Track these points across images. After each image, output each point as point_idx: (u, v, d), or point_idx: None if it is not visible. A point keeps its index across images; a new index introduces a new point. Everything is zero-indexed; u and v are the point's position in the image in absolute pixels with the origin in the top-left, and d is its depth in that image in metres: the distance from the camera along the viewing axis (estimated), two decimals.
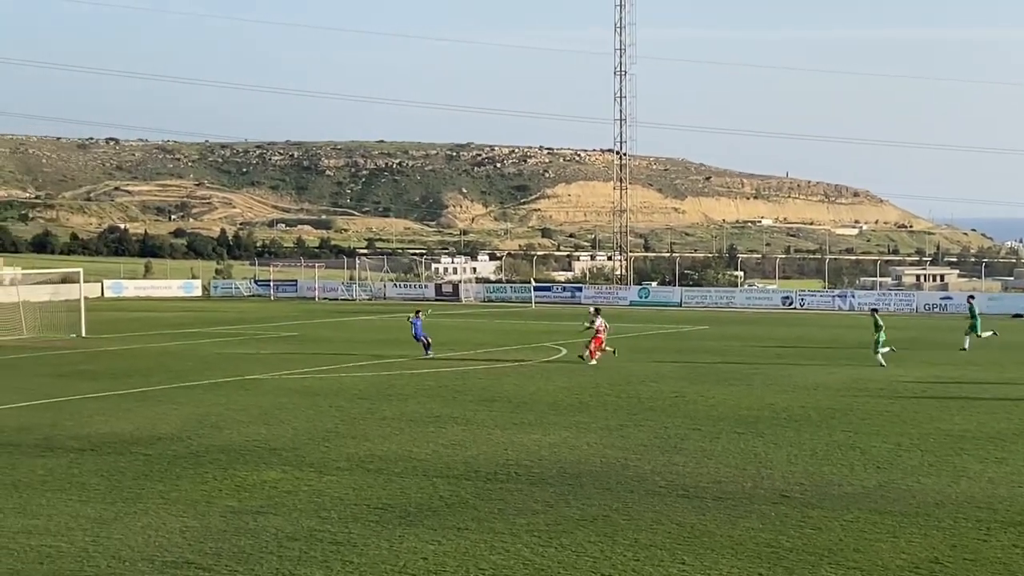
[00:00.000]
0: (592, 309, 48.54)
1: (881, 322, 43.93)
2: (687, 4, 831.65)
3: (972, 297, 56.41)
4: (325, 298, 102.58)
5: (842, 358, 47.07)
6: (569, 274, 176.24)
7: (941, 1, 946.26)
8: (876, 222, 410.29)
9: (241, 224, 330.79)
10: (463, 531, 18.36)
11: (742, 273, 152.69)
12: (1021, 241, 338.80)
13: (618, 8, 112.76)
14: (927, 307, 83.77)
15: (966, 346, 50.69)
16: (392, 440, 26.81)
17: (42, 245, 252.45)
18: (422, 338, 47.81)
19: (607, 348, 45.63)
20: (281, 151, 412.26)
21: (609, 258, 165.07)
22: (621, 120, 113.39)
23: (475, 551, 17.20)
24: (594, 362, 44.10)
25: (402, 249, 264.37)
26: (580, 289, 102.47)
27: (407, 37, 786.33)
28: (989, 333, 52.02)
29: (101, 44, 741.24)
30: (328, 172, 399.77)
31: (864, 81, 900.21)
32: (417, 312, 49.83)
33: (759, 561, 16.65)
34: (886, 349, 43.87)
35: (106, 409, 32.19)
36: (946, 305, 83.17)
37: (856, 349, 50.57)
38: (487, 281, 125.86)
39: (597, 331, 45.09)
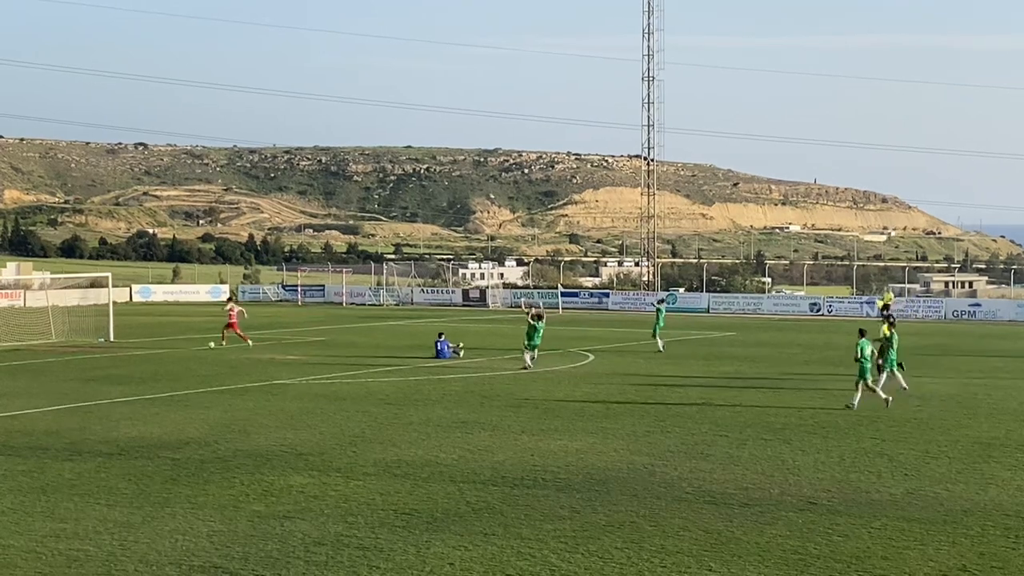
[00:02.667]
0: (226, 298, 65.94)
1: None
2: (715, 10, 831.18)
3: (662, 301, 60.91)
4: (352, 303, 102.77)
5: None
6: (596, 280, 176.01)
7: (970, 7, 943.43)
8: (904, 228, 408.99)
9: (269, 229, 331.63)
10: (490, 537, 18.37)
11: (769, 279, 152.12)
12: None
13: (646, 14, 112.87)
14: (955, 314, 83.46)
15: (661, 347, 52.58)
16: (419, 445, 26.83)
17: (71, 250, 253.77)
18: (447, 353, 49.08)
19: (223, 342, 55.13)
20: (309, 156, 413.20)
21: (636, 264, 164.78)
22: (649, 126, 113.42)
23: (502, 557, 17.21)
24: (224, 344, 54.70)
25: (429, 254, 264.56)
26: (607, 295, 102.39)
27: (435, 43, 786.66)
28: (661, 344, 53.46)
29: (130, 50, 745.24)
30: (356, 177, 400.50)
31: (893, 87, 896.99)
32: (441, 334, 51.31)
33: (786, 568, 16.62)
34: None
35: (134, 413, 32.30)
36: (975, 312, 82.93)
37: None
38: (514, 287, 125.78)
39: (230, 317, 56.06)
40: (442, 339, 49.87)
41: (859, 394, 32.97)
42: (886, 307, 79.18)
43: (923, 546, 17.82)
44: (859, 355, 32.98)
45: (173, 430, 29.19)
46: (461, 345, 50.60)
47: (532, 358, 44.56)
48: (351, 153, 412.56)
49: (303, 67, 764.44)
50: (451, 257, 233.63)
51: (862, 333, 33.93)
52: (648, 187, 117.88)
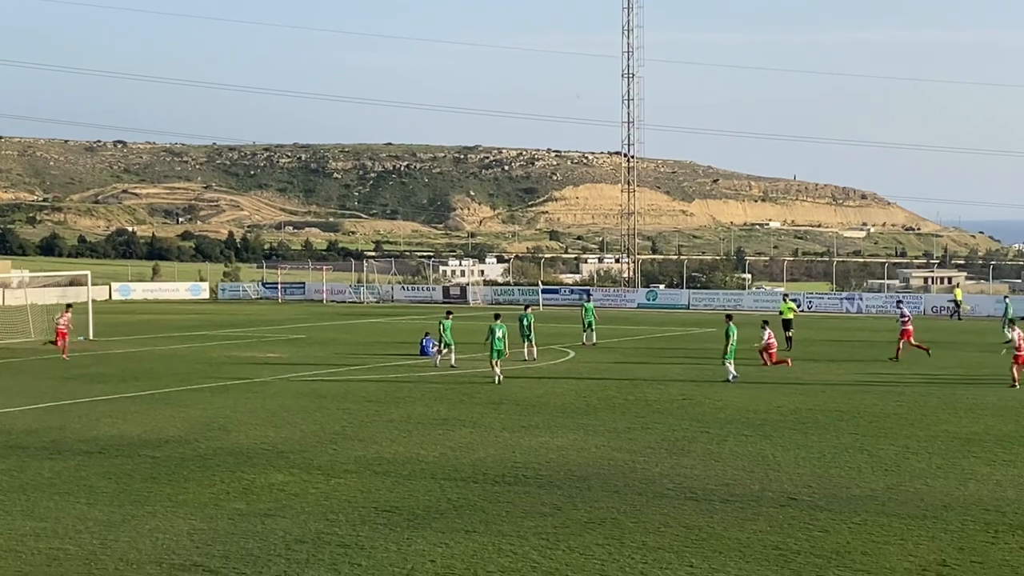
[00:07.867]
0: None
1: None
2: (695, 7, 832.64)
3: (589, 295, 64.32)
4: (333, 300, 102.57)
5: (849, 360, 47.03)
6: (577, 276, 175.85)
7: (948, 4, 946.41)
8: (884, 224, 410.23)
9: (249, 227, 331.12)
10: (471, 533, 18.37)
11: (749, 276, 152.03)
12: None
13: (626, 11, 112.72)
14: (934, 309, 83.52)
15: (590, 341, 54.00)
16: (400, 443, 26.82)
17: (50, 248, 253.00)
18: (430, 351, 48.51)
19: None
20: (289, 153, 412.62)
21: (617, 260, 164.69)
22: (629, 123, 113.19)
23: (483, 553, 17.21)
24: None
25: (410, 252, 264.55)
26: (588, 292, 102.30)
27: (415, 40, 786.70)
28: (586, 338, 54.70)
29: (109, 47, 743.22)
30: (336, 175, 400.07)
31: (871, 83, 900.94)
32: (427, 333, 50.69)
33: (767, 564, 16.65)
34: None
35: (114, 412, 32.23)
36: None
37: (864, 349, 50.62)
38: (495, 284, 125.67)
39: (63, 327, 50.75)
40: (427, 338, 49.79)
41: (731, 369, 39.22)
42: (956, 303, 79.75)
43: (903, 541, 17.87)
44: (733, 337, 39.49)
45: (153, 428, 29.14)
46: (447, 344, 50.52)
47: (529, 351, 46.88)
48: (331, 150, 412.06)
49: (282, 64, 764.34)
50: (431, 254, 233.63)
51: (729, 318, 41.68)
52: (628, 184, 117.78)
